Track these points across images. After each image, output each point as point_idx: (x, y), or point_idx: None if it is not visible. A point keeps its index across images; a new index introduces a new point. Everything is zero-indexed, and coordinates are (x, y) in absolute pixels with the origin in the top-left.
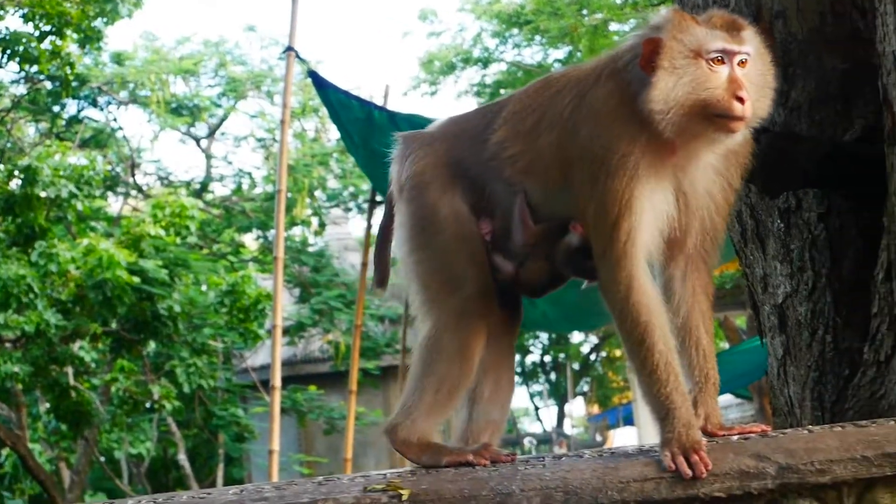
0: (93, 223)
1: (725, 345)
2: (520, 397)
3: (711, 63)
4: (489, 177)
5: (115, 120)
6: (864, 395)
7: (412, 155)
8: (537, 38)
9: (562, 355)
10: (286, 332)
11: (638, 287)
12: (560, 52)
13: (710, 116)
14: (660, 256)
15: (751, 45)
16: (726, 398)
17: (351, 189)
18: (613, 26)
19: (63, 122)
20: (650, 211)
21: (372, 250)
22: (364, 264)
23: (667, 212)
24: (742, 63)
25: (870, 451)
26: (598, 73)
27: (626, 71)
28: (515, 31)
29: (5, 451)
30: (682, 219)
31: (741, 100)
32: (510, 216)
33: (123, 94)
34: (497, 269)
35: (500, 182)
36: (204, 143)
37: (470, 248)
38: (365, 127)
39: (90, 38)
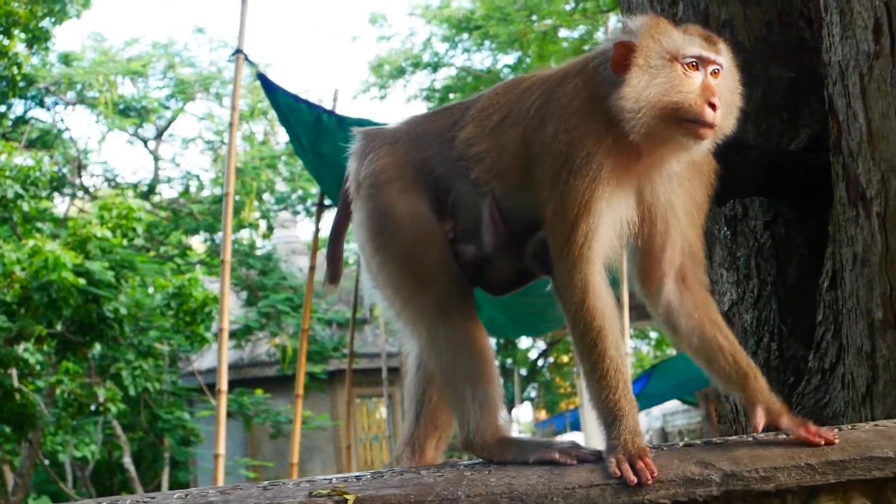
0: (39, 224)
1: (672, 351)
2: None
3: (686, 67)
4: (455, 178)
5: (62, 121)
6: (809, 403)
7: (372, 153)
8: (487, 43)
9: (509, 361)
10: (233, 335)
11: (593, 291)
12: (509, 58)
13: (680, 121)
14: (645, 285)
15: (724, 58)
16: (673, 405)
17: (299, 192)
18: (563, 32)
19: (9, 123)
20: (609, 215)
21: (320, 254)
22: (312, 268)
23: (626, 218)
24: (715, 73)
25: (814, 458)
26: (567, 71)
27: (597, 72)
28: (465, 36)
29: None
30: (648, 229)
31: (713, 106)
32: (478, 218)
33: (71, 95)
34: (460, 257)
35: (467, 183)
36: (152, 144)
37: (433, 244)
38: (314, 130)
39: (38, 38)
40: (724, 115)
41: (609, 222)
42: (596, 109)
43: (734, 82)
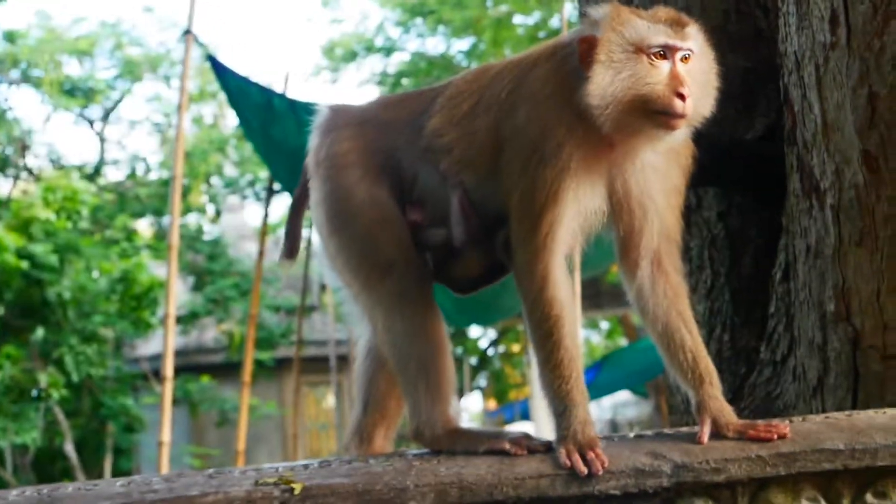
0: None
1: (623, 341)
2: None
3: (652, 58)
4: (424, 169)
5: (5, 100)
6: (760, 395)
7: (336, 132)
8: (441, 28)
9: (459, 350)
10: (179, 320)
11: (553, 281)
12: (464, 43)
13: (650, 113)
14: (623, 267)
15: (694, 41)
16: (623, 396)
17: (248, 177)
18: (518, 18)
19: None
20: (576, 205)
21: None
22: (261, 253)
23: (594, 209)
24: (685, 59)
25: (764, 450)
26: (539, 56)
27: (566, 62)
28: (419, 20)
29: None
30: (626, 217)
31: (682, 96)
32: (447, 210)
33: (15, 74)
34: (429, 241)
35: (435, 174)
36: (98, 126)
37: (392, 230)
38: (264, 114)
39: None
40: (699, 101)
41: (575, 213)
42: (566, 98)
43: (708, 63)
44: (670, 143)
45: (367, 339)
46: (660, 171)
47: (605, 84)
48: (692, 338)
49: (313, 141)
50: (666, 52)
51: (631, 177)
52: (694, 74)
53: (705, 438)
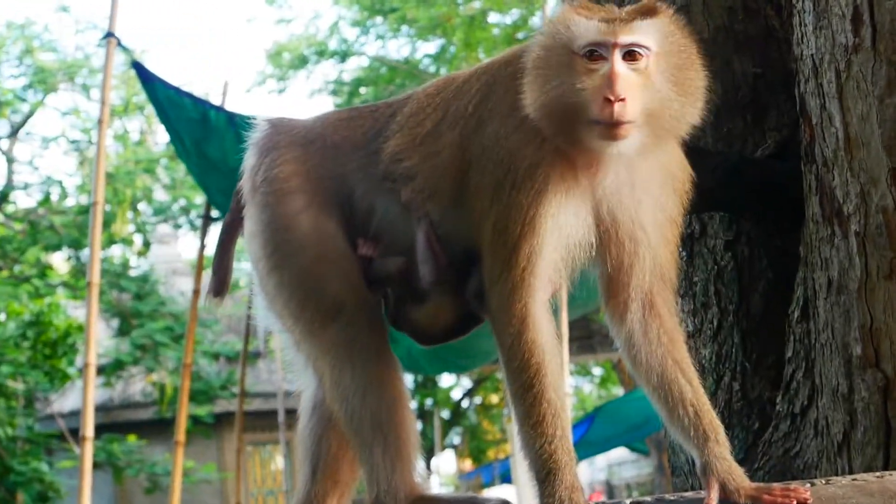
0: None
1: (619, 391)
2: None
3: (586, 60)
4: (381, 199)
5: None
6: (777, 453)
7: (277, 152)
8: (405, 28)
9: (429, 401)
10: (101, 371)
11: (532, 323)
12: (431, 46)
13: (587, 122)
14: (610, 309)
15: (647, 34)
16: (619, 453)
17: (181, 202)
18: (493, 17)
19: None
20: (557, 234)
21: (206, 275)
22: (196, 291)
23: (579, 239)
24: (634, 57)
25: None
26: (507, 61)
27: (523, 74)
28: (379, 20)
29: None
30: (614, 249)
31: (609, 101)
32: (410, 246)
33: None
34: (385, 274)
35: (395, 206)
36: (5, 143)
37: (339, 269)
38: (199, 129)
39: None
40: (666, 104)
41: (556, 243)
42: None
43: (682, 59)
44: (631, 152)
45: (311, 392)
46: (653, 198)
47: (536, 94)
48: (692, 389)
49: (249, 160)
50: (600, 51)
51: (619, 204)
52: (657, 73)
53: None
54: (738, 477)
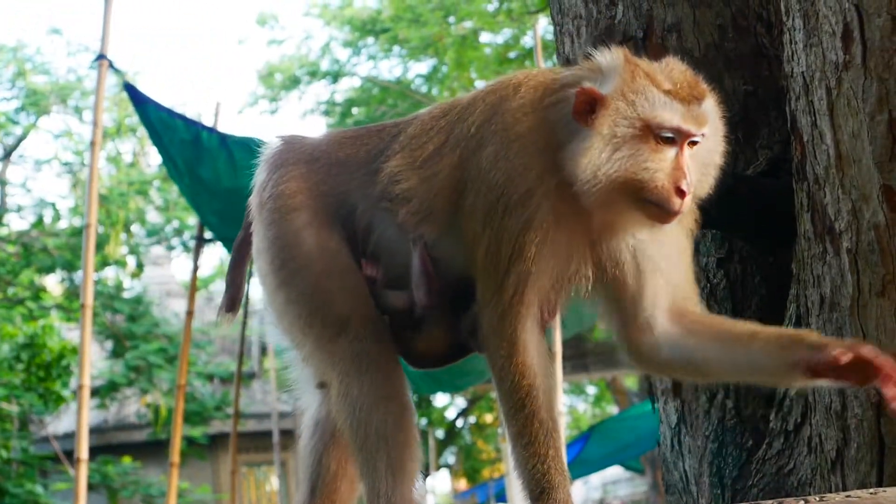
0: None
1: (614, 409)
2: None
3: (659, 140)
4: (379, 219)
5: None
6: (771, 470)
7: (285, 169)
8: (396, 49)
9: (423, 421)
10: (95, 392)
11: (523, 346)
12: (423, 66)
13: (642, 201)
14: (628, 337)
15: (708, 122)
16: (614, 472)
17: (175, 224)
18: (485, 37)
19: None
20: (549, 261)
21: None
22: (189, 313)
23: (572, 271)
24: (693, 143)
25: None
26: (520, 85)
27: (555, 106)
28: (370, 40)
29: None
30: (619, 281)
31: (682, 193)
32: (406, 266)
33: None
34: (388, 306)
35: (392, 226)
36: None
37: (346, 282)
38: (191, 151)
39: None
40: (697, 185)
41: (547, 271)
42: (545, 141)
43: (716, 142)
44: (658, 232)
45: (313, 410)
46: (658, 238)
47: (600, 160)
48: (755, 325)
49: (259, 176)
50: (676, 136)
51: (619, 244)
52: (699, 156)
53: (844, 359)
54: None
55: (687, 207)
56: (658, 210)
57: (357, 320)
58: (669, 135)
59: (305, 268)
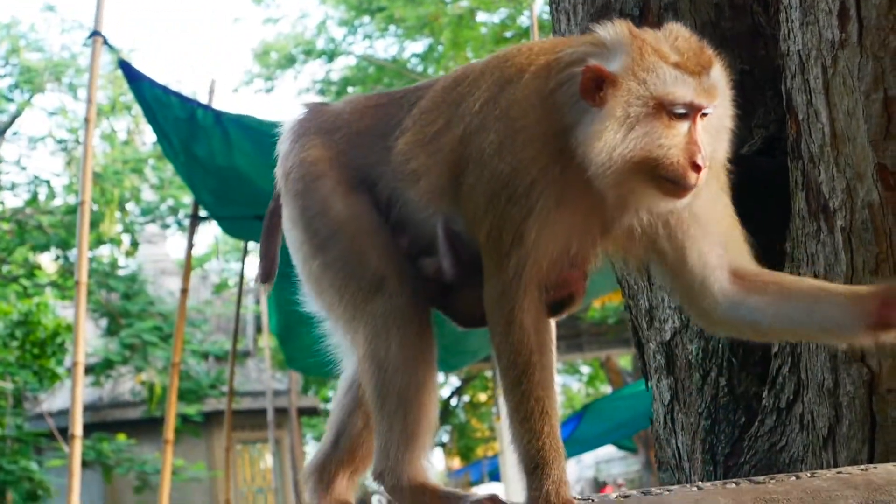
0: None
1: (608, 389)
2: None
3: (672, 116)
4: (399, 194)
5: None
6: (763, 447)
7: (307, 138)
8: (392, 28)
9: None
10: (90, 370)
11: (520, 324)
12: (419, 45)
13: (657, 178)
14: (700, 302)
15: (719, 92)
16: (607, 451)
17: (169, 202)
18: (481, 16)
19: None
20: (552, 244)
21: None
22: (184, 291)
23: (575, 248)
24: (704, 115)
25: None
26: (525, 66)
27: (560, 87)
28: (366, 19)
29: None
30: (660, 247)
31: (698, 168)
32: (432, 237)
33: None
34: (421, 271)
35: (411, 201)
36: None
37: (378, 242)
38: (186, 128)
39: None
40: (714, 152)
41: (550, 253)
42: (551, 128)
43: (725, 108)
44: (674, 210)
45: (349, 372)
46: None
47: (615, 141)
48: (818, 283)
49: (283, 146)
50: (689, 111)
51: (638, 217)
52: (710, 125)
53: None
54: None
55: (703, 181)
56: (674, 186)
57: (393, 277)
58: (683, 110)
59: (338, 231)
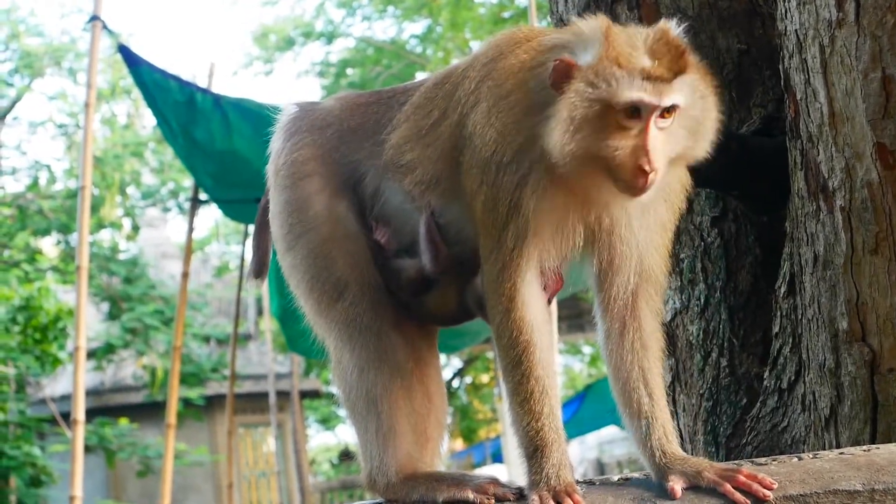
0: None
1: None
2: None
3: (621, 116)
4: (387, 186)
5: None
6: (765, 428)
7: (299, 136)
8: (391, 9)
9: None
10: (92, 354)
11: (521, 301)
12: (417, 26)
13: (613, 177)
14: (598, 301)
15: (680, 92)
16: (610, 432)
17: (170, 186)
18: None
19: None
20: (546, 217)
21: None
22: (185, 274)
23: (568, 228)
24: (665, 114)
25: (769, 493)
26: (516, 45)
27: (536, 71)
28: (364, 1)
29: None
30: (600, 248)
31: (643, 171)
32: (415, 232)
33: None
34: (399, 273)
35: (400, 193)
36: None
37: (347, 249)
38: (186, 112)
39: None
40: (688, 150)
41: (545, 225)
42: (528, 104)
43: (704, 110)
44: (640, 201)
45: None
46: (645, 205)
47: (563, 137)
48: (651, 402)
49: (275, 144)
50: (640, 109)
51: (607, 206)
52: (679, 125)
53: (678, 494)
54: (695, 462)
55: (652, 185)
56: (625, 185)
57: (355, 285)
58: (629, 108)
59: (310, 232)
